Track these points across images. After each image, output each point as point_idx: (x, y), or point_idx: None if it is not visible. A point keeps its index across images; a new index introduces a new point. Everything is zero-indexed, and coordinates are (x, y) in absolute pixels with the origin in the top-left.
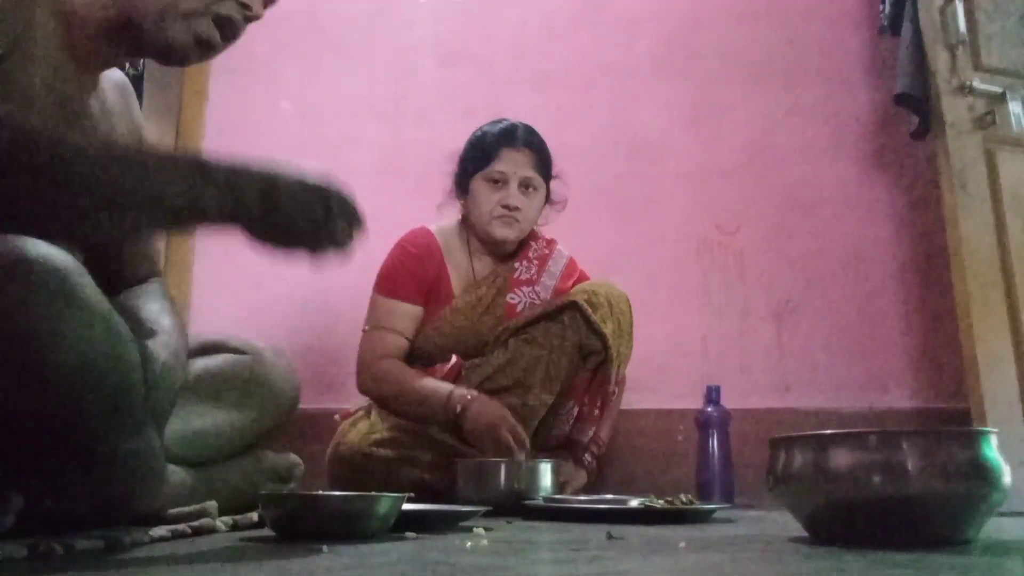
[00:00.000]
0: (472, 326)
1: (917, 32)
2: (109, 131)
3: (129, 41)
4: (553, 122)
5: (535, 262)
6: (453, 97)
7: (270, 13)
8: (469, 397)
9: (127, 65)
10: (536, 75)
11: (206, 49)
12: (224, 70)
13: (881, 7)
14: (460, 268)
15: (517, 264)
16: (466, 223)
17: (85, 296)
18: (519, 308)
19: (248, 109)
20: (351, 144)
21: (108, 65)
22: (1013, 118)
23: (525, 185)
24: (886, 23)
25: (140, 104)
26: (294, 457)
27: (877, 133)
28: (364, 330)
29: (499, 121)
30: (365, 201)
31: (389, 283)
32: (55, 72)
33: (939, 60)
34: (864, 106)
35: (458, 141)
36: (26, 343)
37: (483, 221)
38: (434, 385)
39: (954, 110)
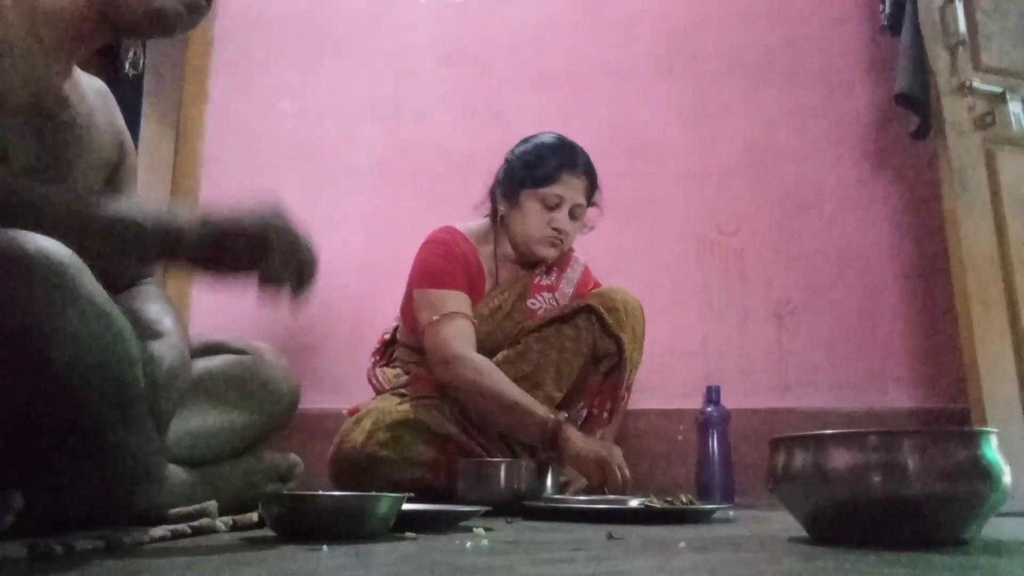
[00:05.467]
0: (491, 333)
1: (917, 32)
2: (88, 125)
3: (111, 19)
4: (553, 122)
5: (555, 268)
6: (453, 97)
7: (270, 13)
8: (564, 421)
9: (127, 65)
10: (536, 75)
11: (195, 14)
12: (224, 70)
13: (881, 7)
14: (488, 272)
15: (537, 269)
16: (500, 228)
17: (84, 291)
18: (539, 312)
19: (248, 109)
20: (351, 144)
21: (84, 50)
22: (1013, 118)
23: (574, 212)
24: (886, 23)
25: (140, 104)
26: (294, 457)
27: (877, 133)
28: (432, 320)
29: (549, 135)
30: (365, 201)
31: (439, 276)
32: (27, 63)
33: (939, 60)
34: (864, 106)
35: (458, 141)
36: (25, 338)
37: (530, 238)
38: (530, 399)
39: (954, 110)
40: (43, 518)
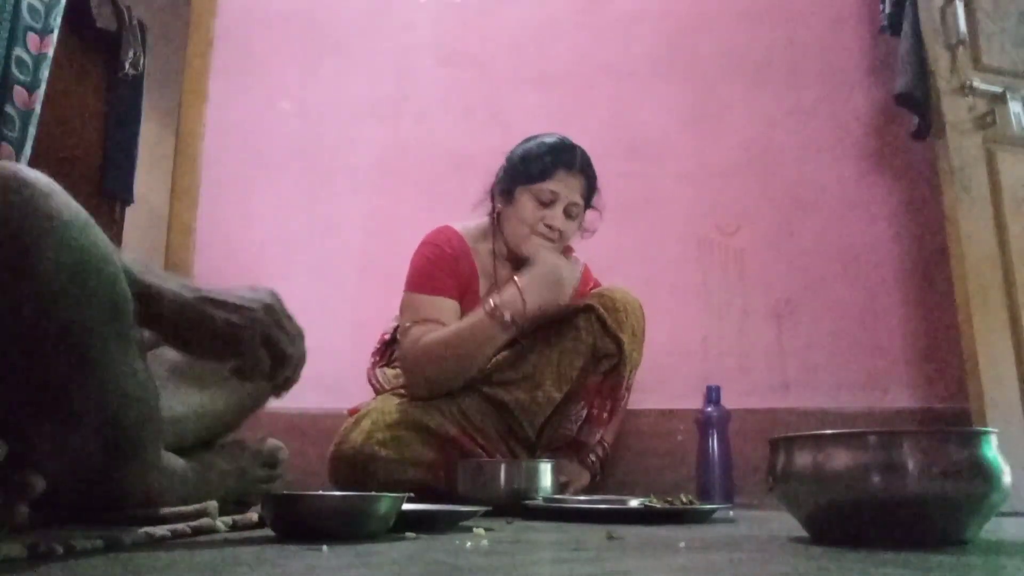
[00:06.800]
0: None
1: (917, 32)
2: None
3: None
4: (553, 122)
5: None
6: (453, 97)
7: (270, 13)
8: (500, 289)
9: (127, 65)
10: (536, 75)
11: None
12: (224, 70)
13: (881, 7)
14: (485, 272)
15: None
16: (496, 227)
17: (61, 207)
18: None
19: (248, 109)
20: (351, 144)
21: None
22: (1013, 118)
23: (569, 211)
24: (886, 23)
25: (140, 104)
26: (275, 441)
27: (877, 133)
28: (405, 326)
29: (551, 135)
30: (365, 201)
31: (427, 280)
32: None
33: (939, 60)
34: (864, 106)
35: (458, 141)
36: (6, 258)
37: (521, 233)
38: (469, 316)
39: (954, 110)
40: (51, 463)
